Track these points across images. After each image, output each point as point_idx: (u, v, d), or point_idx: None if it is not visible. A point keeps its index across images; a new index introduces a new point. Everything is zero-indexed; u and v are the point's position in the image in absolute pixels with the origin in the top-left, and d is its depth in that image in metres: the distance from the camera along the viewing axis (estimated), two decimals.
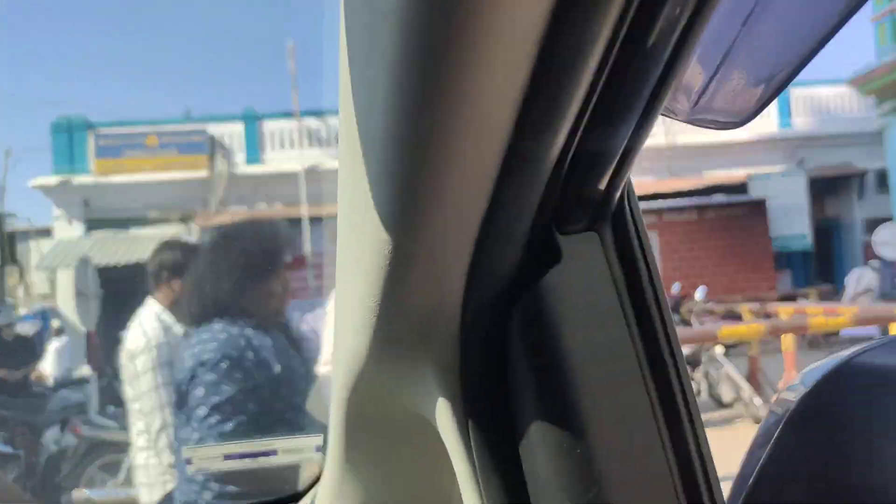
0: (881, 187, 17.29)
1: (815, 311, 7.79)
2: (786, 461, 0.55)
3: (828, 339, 13.07)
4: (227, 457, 1.82)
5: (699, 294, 10.96)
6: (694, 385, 5.81)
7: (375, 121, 0.42)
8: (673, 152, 18.74)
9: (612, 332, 0.50)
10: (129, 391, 2.69)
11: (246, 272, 2.18)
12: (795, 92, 19.55)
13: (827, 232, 19.17)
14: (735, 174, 18.07)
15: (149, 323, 2.68)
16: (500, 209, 0.47)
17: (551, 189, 0.47)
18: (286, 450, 1.79)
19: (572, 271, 0.49)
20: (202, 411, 2.04)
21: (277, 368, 2.15)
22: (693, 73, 0.47)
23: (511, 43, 0.37)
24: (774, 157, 18.87)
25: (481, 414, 0.54)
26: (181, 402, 2.15)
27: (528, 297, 0.50)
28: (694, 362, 7.70)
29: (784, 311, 8.39)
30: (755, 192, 17.22)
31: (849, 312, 6.93)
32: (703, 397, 7.60)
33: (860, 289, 13.33)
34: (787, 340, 7.23)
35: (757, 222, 16.78)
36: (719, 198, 16.92)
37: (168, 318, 2.73)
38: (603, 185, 0.48)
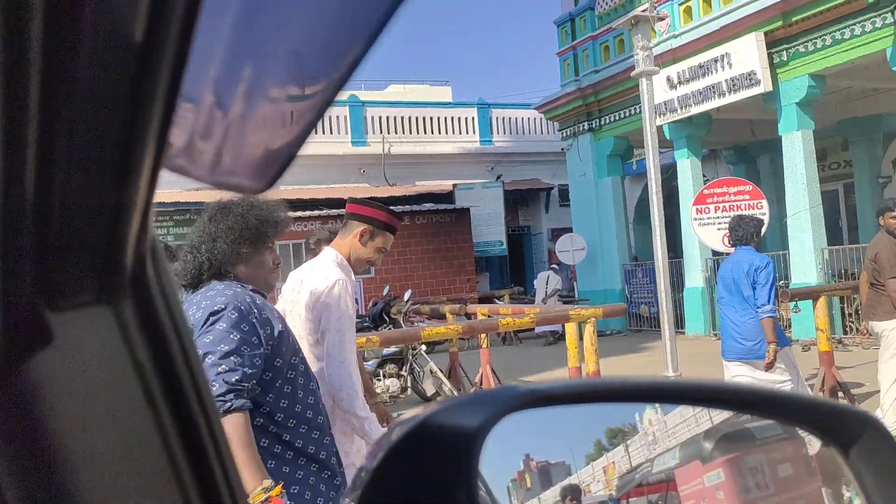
0: (563, 201, 19.63)
1: (505, 312, 8.66)
2: None
3: (518, 335, 14.63)
4: None
5: (407, 296, 11.73)
6: (400, 381, 6.24)
7: None
8: (389, 161, 19.60)
9: (130, 420, 0.43)
10: None
11: (241, 242, 2.23)
12: (496, 112, 21.50)
13: (519, 239, 21.35)
14: (443, 184, 19.38)
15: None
16: None
17: (31, 257, 0.39)
18: None
19: (72, 353, 0.42)
20: (210, 359, 2.04)
21: (279, 328, 2.22)
22: (203, 133, 0.44)
23: None
24: (477, 170, 20.56)
25: None
26: None
27: (7, 390, 0.41)
28: (401, 360, 8.21)
29: (481, 311, 9.22)
30: (460, 202, 18.63)
31: (532, 313, 7.86)
32: (409, 392, 8.13)
33: (549, 290, 15.09)
34: (483, 338, 8.02)
35: (461, 229, 18.15)
36: (429, 205, 18.01)
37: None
38: (112, 249, 0.42)
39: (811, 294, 7.81)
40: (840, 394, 6.67)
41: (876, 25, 9.84)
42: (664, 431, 0.74)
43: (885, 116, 13.95)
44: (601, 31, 14.95)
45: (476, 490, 0.51)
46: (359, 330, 7.55)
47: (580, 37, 15.58)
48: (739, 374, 5.36)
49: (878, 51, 9.90)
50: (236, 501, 0.48)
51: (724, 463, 0.71)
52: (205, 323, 2.08)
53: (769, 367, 5.13)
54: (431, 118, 20.82)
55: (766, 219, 7.08)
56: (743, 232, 5.40)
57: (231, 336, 2.06)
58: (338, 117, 19.65)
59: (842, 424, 0.63)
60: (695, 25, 12.56)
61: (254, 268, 2.28)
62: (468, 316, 9.96)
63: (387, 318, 11.24)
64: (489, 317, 8.43)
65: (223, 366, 2.03)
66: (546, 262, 18.08)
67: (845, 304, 11.30)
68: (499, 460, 0.69)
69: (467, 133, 21.09)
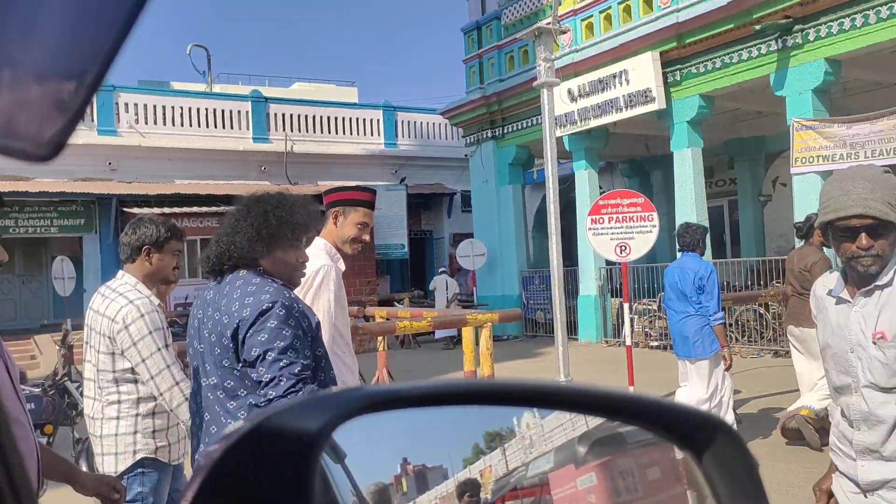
0: (466, 206, 19.84)
1: (404, 315, 8.66)
2: None
3: (417, 339, 14.66)
4: None
5: None
6: None
7: None
8: (291, 160, 19.26)
9: None
10: (110, 361, 2.83)
11: (258, 240, 2.27)
12: (401, 115, 21.51)
13: (421, 243, 21.42)
14: (346, 185, 19.17)
15: (132, 294, 2.85)
16: None
17: None
18: None
19: None
20: (271, 356, 2.11)
21: (315, 319, 2.30)
22: None
23: None
24: (381, 172, 20.50)
25: None
26: (222, 357, 2.21)
27: None
28: None
29: (379, 314, 9.18)
30: None
31: (430, 317, 7.89)
32: None
33: (450, 294, 15.21)
34: (381, 341, 7.98)
35: None
36: None
37: (143, 289, 2.90)
38: None
39: None
40: None
41: (761, 52, 10.44)
42: (541, 435, 0.74)
43: (768, 138, 14.82)
44: (507, 41, 15.21)
45: (313, 496, 0.49)
46: None
47: (486, 45, 15.81)
48: (685, 371, 5.94)
49: (763, 76, 10.50)
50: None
51: (597, 467, 0.72)
52: (254, 322, 2.15)
53: (728, 369, 5.83)
54: (336, 118, 20.62)
55: (655, 231, 7.37)
56: (690, 238, 5.93)
57: (284, 332, 2.13)
58: (239, 112, 19.17)
59: (696, 430, 0.65)
60: (596, 41, 12.97)
61: (276, 264, 2.32)
62: (367, 318, 9.90)
63: None
64: (387, 319, 8.40)
65: (284, 360, 2.11)
66: (447, 267, 18.20)
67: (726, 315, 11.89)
68: (374, 464, 0.68)
69: (372, 135, 21.00)
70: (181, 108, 18.55)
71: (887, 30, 9.08)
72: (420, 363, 11.68)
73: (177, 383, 2.79)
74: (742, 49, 10.69)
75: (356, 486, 0.61)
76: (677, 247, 6.13)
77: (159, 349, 2.80)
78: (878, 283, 2.03)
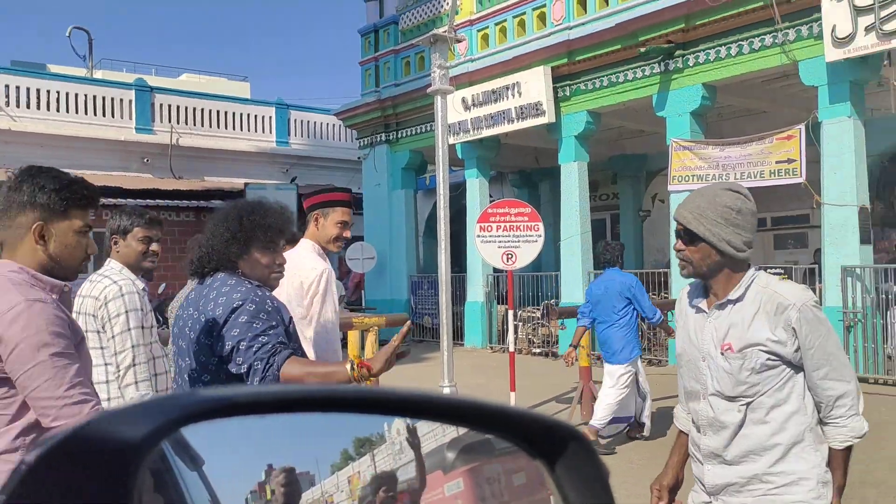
0: (358, 209, 19.69)
1: None
2: None
3: None
4: None
5: (160, 289, 11.23)
6: None
7: None
8: (177, 153, 18.56)
9: None
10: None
11: (232, 242, 2.43)
12: (294, 114, 21.15)
13: None
14: (234, 182, 18.68)
15: (117, 275, 3.11)
16: None
17: None
18: None
19: None
20: (243, 345, 2.25)
21: (287, 316, 2.44)
22: None
23: None
24: (271, 170, 20.07)
25: None
26: (200, 353, 2.34)
27: None
28: None
29: None
30: None
31: None
32: None
33: (337, 297, 15.04)
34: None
35: None
36: (218, 203, 17.28)
37: (128, 273, 3.18)
38: None
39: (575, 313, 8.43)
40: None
41: (645, 73, 10.93)
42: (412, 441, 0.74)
43: (649, 156, 15.52)
44: (403, 47, 15.25)
45: None
46: None
47: (383, 49, 15.79)
48: (611, 373, 6.33)
49: (646, 96, 11.00)
50: None
51: (464, 473, 0.73)
52: (227, 319, 2.28)
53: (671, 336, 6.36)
54: (227, 113, 20.03)
55: (541, 241, 7.56)
56: (610, 255, 6.48)
57: (254, 325, 2.27)
58: (121, 101, 18.29)
59: (549, 438, 0.66)
60: (490, 52, 13.21)
61: (253, 266, 2.47)
62: None
63: (160, 318, 10.60)
64: None
65: (255, 346, 2.25)
66: (336, 269, 17.97)
67: None
68: (237, 471, 0.66)
69: (264, 132, 20.53)
70: (58, 92, 17.51)
71: (758, 61, 9.71)
72: None
73: (133, 365, 2.99)
74: (628, 69, 11.16)
75: (213, 494, 0.59)
76: (593, 264, 6.57)
77: (130, 329, 3.01)
78: (731, 297, 2.14)
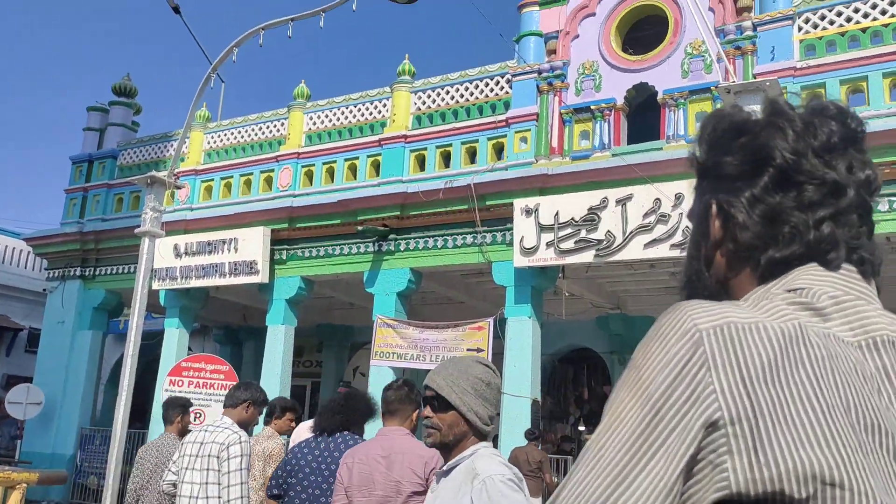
0: (32, 346, 17.48)
1: None
2: None
3: None
4: None
5: None
6: None
7: None
8: None
9: None
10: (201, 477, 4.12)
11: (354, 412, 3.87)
12: None
13: None
14: None
15: (238, 432, 4.26)
16: None
17: None
18: None
19: None
20: None
21: None
22: None
23: None
24: None
25: None
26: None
27: None
28: None
29: None
30: None
31: None
32: None
33: None
34: None
35: None
36: None
37: (238, 428, 4.32)
38: None
39: None
40: None
41: (360, 250, 11.51)
42: None
43: (356, 328, 15.98)
44: (119, 182, 14.56)
45: None
46: None
47: (95, 181, 14.93)
48: None
49: (359, 271, 11.51)
50: None
51: None
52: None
53: None
54: None
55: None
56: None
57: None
58: None
59: None
60: (212, 205, 13.09)
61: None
62: None
63: None
64: None
65: None
66: None
67: None
68: None
69: None
70: None
71: (459, 255, 10.74)
72: None
73: (241, 497, 4.01)
74: (345, 244, 11.67)
75: None
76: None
77: (241, 469, 4.07)
78: (444, 469, 2.19)
